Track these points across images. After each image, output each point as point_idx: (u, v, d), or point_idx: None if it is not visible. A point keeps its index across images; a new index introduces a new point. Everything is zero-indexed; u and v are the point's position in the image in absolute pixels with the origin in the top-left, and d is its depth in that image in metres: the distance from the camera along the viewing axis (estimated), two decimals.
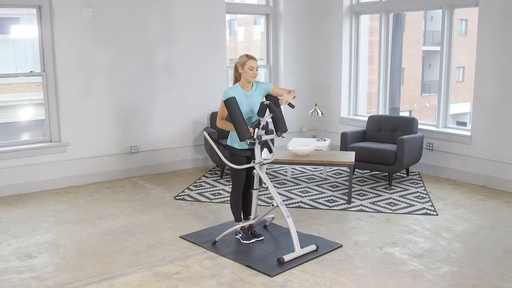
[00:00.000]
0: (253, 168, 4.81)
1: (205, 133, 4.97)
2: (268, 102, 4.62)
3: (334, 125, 8.86)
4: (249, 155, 4.81)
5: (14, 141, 6.86)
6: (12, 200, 6.39)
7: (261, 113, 4.64)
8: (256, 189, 4.96)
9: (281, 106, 4.76)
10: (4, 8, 6.90)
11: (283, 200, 6.10)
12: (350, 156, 6.40)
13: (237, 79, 4.79)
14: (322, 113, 7.71)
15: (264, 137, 4.69)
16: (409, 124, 7.29)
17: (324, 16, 8.93)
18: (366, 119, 7.86)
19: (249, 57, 4.71)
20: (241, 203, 4.98)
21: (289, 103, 4.77)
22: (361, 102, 8.96)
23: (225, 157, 4.85)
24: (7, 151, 6.54)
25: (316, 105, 7.76)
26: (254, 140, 4.64)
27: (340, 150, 7.29)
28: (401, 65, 9.36)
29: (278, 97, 4.76)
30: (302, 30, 8.99)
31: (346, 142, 7.21)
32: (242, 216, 5.05)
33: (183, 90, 7.78)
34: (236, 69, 4.77)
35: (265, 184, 4.80)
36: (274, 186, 6.71)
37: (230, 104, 4.55)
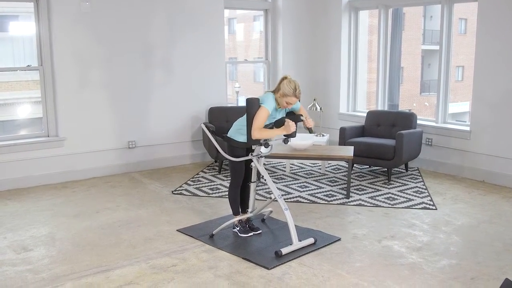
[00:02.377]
0: (251, 160, 4.78)
1: (203, 126, 4.94)
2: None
3: (332, 121, 8.82)
4: (249, 146, 4.77)
5: (11, 136, 6.82)
6: (9, 194, 6.36)
7: (277, 124, 4.61)
8: (253, 182, 4.93)
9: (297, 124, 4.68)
10: (3, 2, 6.86)
11: (281, 195, 6.07)
12: (348, 150, 6.37)
13: (277, 90, 4.58)
14: (320, 109, 7.67)
15: (271, 142, 4.70)
16: (408, 119, 7.26)
17: (323, 11, 8.90)
18: (365, 115, 7.83)
19: (295, 94, 4.49)
20: (240, 196, 4.95)
21: (310, 128, 4.73)
22: (360, 100, 8.92)
23: (224, 150, 4.82)
24: (4, 145, 6.51)
25: (314, 100, 7.73)
26: (260, 144, 4.64)
27: (339, 145, 7.26)
28: (400, 63, 9.34)
29: (301, 117, 4.67)
30: (301, 26, 8.96)
31: (344, 137, 7.18)
32: (240, 209, 5.01)
33: (181, 85, 7.75)
34: (279, 87, 4.54)
35: (262, 177, 4.77)
36: (273, 181, 6.67)
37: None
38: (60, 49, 6.73)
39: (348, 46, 8.73)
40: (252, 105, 4.51)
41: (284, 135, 4.69)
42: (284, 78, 4.58)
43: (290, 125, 4.50)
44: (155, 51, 7.46)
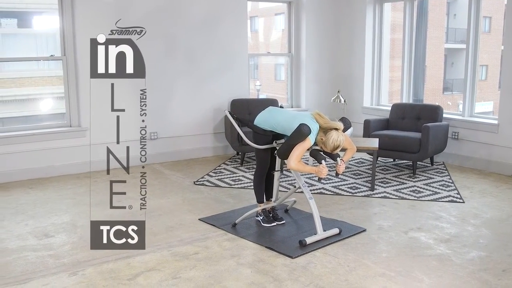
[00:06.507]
0: (275, 149, 4.70)
1: (227, 112, 4.85)
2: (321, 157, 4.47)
3: (356, 115, 8.67)
4: (275, 134, 4.69)
5: (33, 126, 6.83)
6: (31, 183, 6.35)
7: (314, 155, 4.55)
8: (277, 171, 4.84)
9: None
10: None
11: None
12: (373, 142, 6.25)
13: (322, 128, 4.44)
14: (344, 101, 7.55)
15: None
16: (434, 112, 7.11)
17: (347, 4, 8.77)
18: (389, 108, 7.69)
19: (332, 151, 4.39)
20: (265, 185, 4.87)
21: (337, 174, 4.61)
22: (384, 93, 8.77)
23: (249, 139, 4.74)
24: (26, 134, 6.52)
25: (338, 92, 7.61)
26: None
27: (363, 137, 7.13)
28: (424, 60, 9.17)
29: (338, 159, 4.55)
30: (324, 18, 8.83)
31: (369, 129, 7.05)
32: (264, 198, 4.93)
33: (204, 77, 7.69)
34: (327, 130, 4.37)
35: (285, 166, 4.69)
36: None
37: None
38: (83, 39, 6.70)
39: (373, 40, 8.58)
40: (302, 133, 4.29)
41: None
42: (336, 128, 4.36)
43: (323, 172, 4.35)
44: (178, 43, 7.41)
